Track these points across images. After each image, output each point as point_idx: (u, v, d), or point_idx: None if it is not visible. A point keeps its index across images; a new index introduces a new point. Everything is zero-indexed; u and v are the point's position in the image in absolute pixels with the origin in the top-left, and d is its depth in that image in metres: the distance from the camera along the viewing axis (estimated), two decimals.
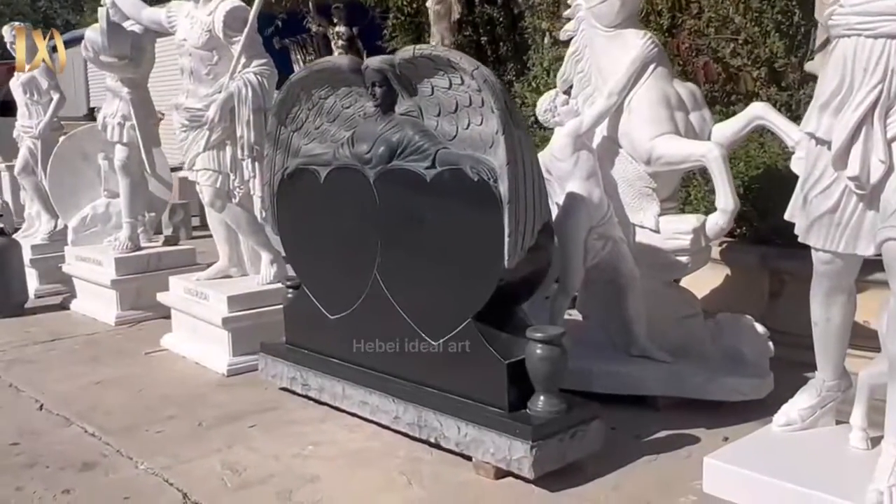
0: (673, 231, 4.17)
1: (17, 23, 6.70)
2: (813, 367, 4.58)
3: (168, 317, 5.93)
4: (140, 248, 6.57)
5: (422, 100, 3.75)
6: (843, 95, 2.72)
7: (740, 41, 6.71)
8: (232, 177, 5.19)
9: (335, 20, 12.85)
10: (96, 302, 6.56)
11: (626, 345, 4.30)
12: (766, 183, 5.18)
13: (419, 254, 3.72)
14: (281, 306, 5.01)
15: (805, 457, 3.04)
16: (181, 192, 9.77)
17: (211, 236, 5.72)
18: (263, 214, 5.09)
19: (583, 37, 4.41)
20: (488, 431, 3.43)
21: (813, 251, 2.98)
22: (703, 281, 5.18)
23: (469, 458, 3.59)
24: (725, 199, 3.83)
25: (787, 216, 3.16)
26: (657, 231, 4.22)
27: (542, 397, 3.42)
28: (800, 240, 3.01)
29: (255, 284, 5.26)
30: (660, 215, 4.23)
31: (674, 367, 4.17)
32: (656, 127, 4.07)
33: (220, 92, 5.05)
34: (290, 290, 4.62)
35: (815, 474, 2.90)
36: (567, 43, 4.56)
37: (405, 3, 10.67)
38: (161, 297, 5.66)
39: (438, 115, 3.70)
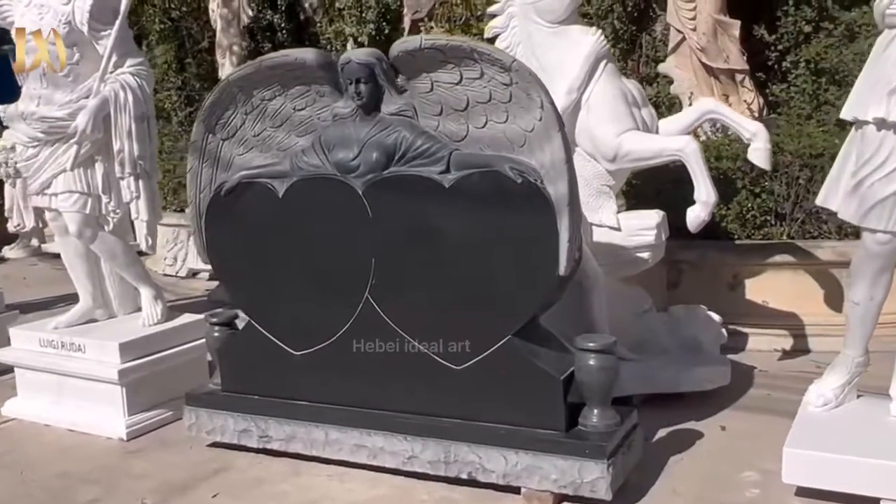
0: (637, 228, 4.14)
1: None
2: None
3: None
4: None
5: (416, 97, 3.35)
6: None
7: None
8: (105, 199, 4.29)
9: None
10: None
11: None
12: (658, 177, 5.36)
13: (434, 270, 3.30)
14: (176, 349, 4.33)
15: (867, 432, 3.12)
16: None
17: None
18: (149, 241, 4.31)
19: (514, 33, 4.23)
20: (548, 456, 3.13)
21: (868, 234, 3.08)
22: None
23: (512, 490, 3.26)
24: (707, 191, 3.86)
25: (820, 202, 3.27)
26: (618, 229, 4.17)
27: (596, 411, 3.20)
28: (855, 223, 3.10)
29: (140, 326, 4.40)
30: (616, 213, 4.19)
31: (644, 364, 4.15)
32: (620, 123, 4.02)
33: (87, 97, 4.15)
34: (218, 329, 3.91)
35: (891, 446, 3.00)
36: None
37: (172, 6, 9.71)
38: (2, 355, 4.54)
39: (440, 114, 3.33)
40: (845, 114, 3.10)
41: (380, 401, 3.48)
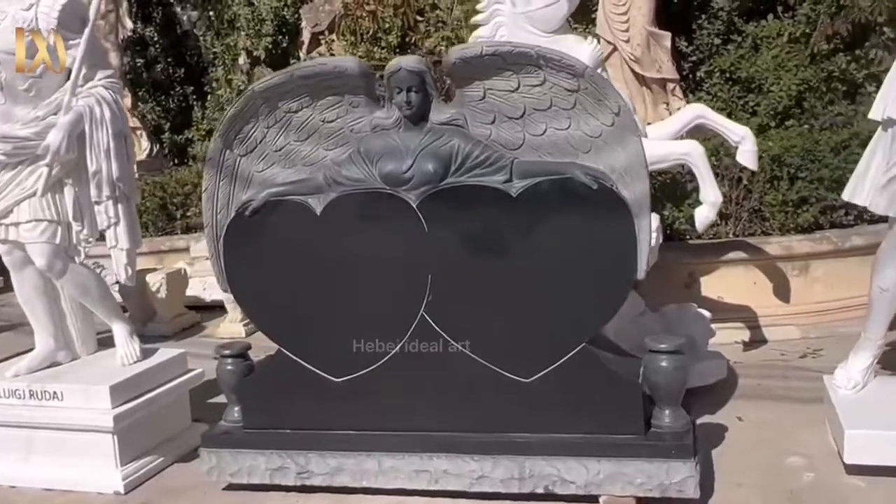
0: None
1: None
2: None
3: None
4: None
5: (466, 106, 3.26)
6: None
7: None
8: (76, 226, 3.83)
9: None
10: None
11: None
12: None
13: (500, 282, 3.21)
14: (164, 388, 3.97)
15: None
16: None
17: None
18: (129, 272, 3.91)
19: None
20: (632, 461, 3.12)
21: None
22: None
23: (587, 500, 3.22)
24: (714, 192, 4.02)
25: (847, 197, 3.49)
26: None
27: (667, 411, 3.23)
28: (891, 215, 3.33)
29: (119, 366, 3.95)
30: None
31: None
32: None
33: (55, 113, 3.70)
34: (232, 362, 3.60)
35: None
36: None
37: None
38: None
39: (492, 122, 3.26)
40: (875, 113, 3.32)
41: (437, 422, 3.33)
